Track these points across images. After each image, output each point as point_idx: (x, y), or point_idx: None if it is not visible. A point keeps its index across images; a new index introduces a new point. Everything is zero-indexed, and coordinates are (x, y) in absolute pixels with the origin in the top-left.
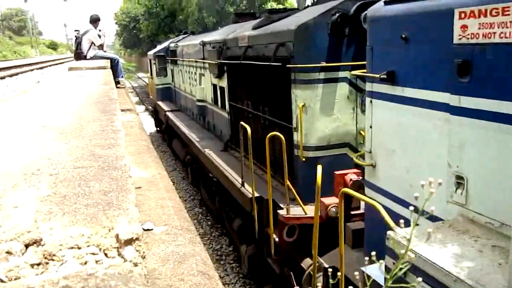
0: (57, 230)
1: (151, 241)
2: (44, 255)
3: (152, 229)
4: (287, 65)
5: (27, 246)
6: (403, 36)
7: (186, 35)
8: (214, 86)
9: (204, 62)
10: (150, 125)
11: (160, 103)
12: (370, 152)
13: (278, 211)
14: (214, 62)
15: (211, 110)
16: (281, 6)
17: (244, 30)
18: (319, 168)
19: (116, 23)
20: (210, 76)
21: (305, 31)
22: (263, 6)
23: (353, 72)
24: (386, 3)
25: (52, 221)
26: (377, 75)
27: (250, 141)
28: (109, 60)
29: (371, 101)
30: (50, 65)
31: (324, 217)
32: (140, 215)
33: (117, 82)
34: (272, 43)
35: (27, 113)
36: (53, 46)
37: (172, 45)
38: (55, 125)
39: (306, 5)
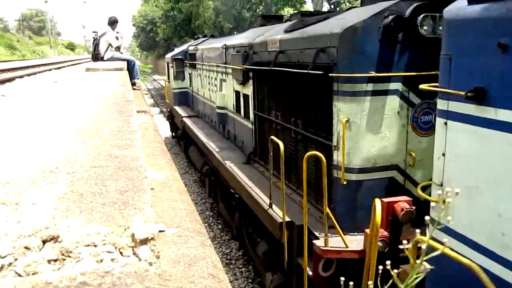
0: (74, 227)
1: (162, 242)
2: (61, 251)
3: (164, 231)
4: (329, 74)
5: (44, 242)
6: (502, 43)
7: (206, 38)
8: (237, 93)
9: (226, 67)
10: (164, 128)
11: (176, 108)
12: (441, 185)
13: (313, 241)
14: (238, 68)
15: (233, 118)
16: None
17: (274, 33)
18: (378, 203)
19: (134, 25)
20: (233, 82)
21: (352, 35)
22: (279, 11)
23: (423, 86)
24: (470, 2)
25: (69, 218)
26: (461, 92)
27: (282, 159)
28: (125, 62)
29: (445, 123)
30: (67, 66)
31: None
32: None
33: (132, 84)
34: (310, 48)
35: (45, 112)
36: (71, 46)
37: (191, 48)
38: (72, 124)
39: (322, 10)
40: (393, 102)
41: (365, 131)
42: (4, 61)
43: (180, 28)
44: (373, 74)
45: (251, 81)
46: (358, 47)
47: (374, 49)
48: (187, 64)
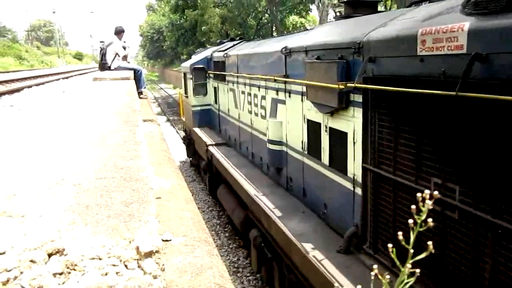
0: (79, 240)
1: (169, 251)
2: (66, 265)
3: (170, 240)
4: None
5: (50, 255)
6: None
7: (238, 42)
8: (314, 125)
9: (287, 82)
10: (171, 135)
11: (197, 130)
12: None
13: None
14: (324, 85)
15: (300, 163)
16: (303, 20)
17: (415, 24)
18: None
19: (141, 35)
20: (304, 107)
21: None
22: (284, 20)
23: None
24: None
25: (75, 231)
26: None
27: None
28: (132, 71)
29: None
30: (75, 75)
31: None
32: (159, 225)
33: (139, 93)
34: None
35: (52, 122)
36: (79, 56)
37: (217, 55)
38: (79, 135)
39: (328, 19)
40: None
41: None
42: (13, 71)
43: (185, 37)
44: None
45: (357, 110)
46: None
47: None
48: (210, 75)
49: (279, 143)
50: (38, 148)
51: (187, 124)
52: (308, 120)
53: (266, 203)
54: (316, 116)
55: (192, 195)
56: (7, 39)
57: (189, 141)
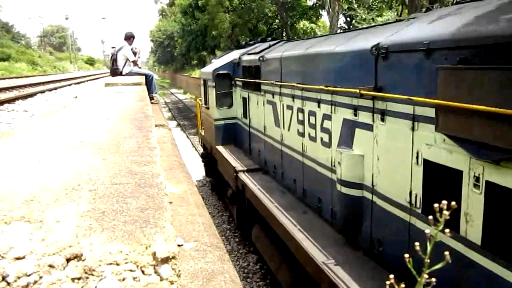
0: (96, 245)
1: (180, 257)
2: (84, 269)
3: (182, 245)
4: None
5: (68, 260)
6: None
7: (277, 41)
8: (449, 173)
9: (377, 98)
10: (182, 140)
11: (221, 149)
12: None
13: None
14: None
15: (407, 227)
16: (313, 26)
17: None
18: None
19: (151, 40)
20: (426, 141)
21: None
22: (295, 25)
23: None
24: None
25: (92, 236)
26: None
27: None
28: (144, 77)
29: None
30: (87, 80)
31: None
32: None
33: (151, 98)
34: None
35: (66, 128)
36: (91, 61)
37: (248, 58)
38: (93, 140)
39: (338, 24)
40: None
41: None
42: (26, 76)
43: (196, 42)
44: None
45: None
46: None
47: None
48: (237, 83)
49: (358, 186)
50: (54, 153)
51: (206, 139)
52: (429, 162)
53: (345, 280)
54: (452, 159)
55: (203, 199)
56: (21, 45)
57: (209, 159)
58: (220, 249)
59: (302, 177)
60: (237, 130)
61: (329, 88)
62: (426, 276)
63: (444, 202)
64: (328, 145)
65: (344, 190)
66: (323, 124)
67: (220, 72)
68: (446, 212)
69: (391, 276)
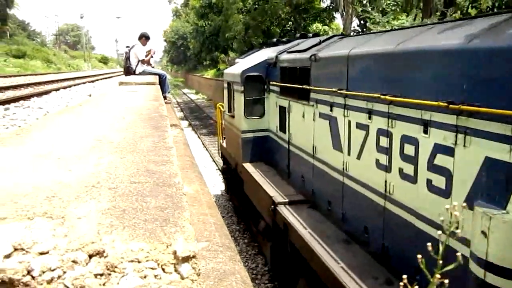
0: (118, 243)
1: None
2: (106, 266)
3: None
4: None
5: (90, 256)
6: None
7: (329, 37)
8: None
9: None
10: (193, 140)
11: (250, 168)
12: None
13: None
14: None
15: None
16: (326, 28)
17: None
18: None
19: (165, 40)
20: None
21: None
22: (308, 27)
23: None
24: None
25: (114, 234)
26: None
27: None
28: (157, 76)
29: None
30: (101, 79)
31: None
32: None
33: (164, 97)
34: None
35: (83, 126)
36: (104, 60)
37: (290, 57)
38: (110, 139)
39: (352, 27)
40: None
41: None
42: (41, 74)
43: (209, 42)
44: None
45: None
46: None
47: None
48: (270, 88)
49: None
50: (72, 151)
51: (229, 153)
52: None
53: None
54: None
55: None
56: (37, 43)
57: (233, 176)
58: (231, 250)
59: (381, 227)
60: (270, 145)
61: (459, 107)
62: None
63: None
64: (444, 193)
65: (493, 280)
66: (434, 160)
67: (251, 74)
68: None
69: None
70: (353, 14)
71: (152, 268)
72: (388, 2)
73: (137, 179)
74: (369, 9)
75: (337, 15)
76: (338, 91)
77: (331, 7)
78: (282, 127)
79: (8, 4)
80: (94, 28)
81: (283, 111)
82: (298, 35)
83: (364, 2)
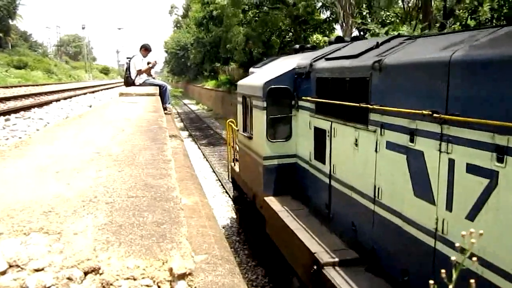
0: (114, 260)
1: None
2: (102, 283)
3: (192, 257)
4: None
5: (86, 273)
6: None
7: (385, 40)
8: None
9: None
10: (193, 151)
11: (275, 204)
12: None
13: None
14: None
15: None
16: (326, 39)
17: None
18: None
19: (166, 51)
20: None
21: None
22: (308, 38)
23: None
24: None
25: (110, 250)
26: None
27: None
28: (157, 87)
29: None
30: (101, 89)
31: None
32: None
33: (164, 108)
34: None
35: (82, 138)
36: (105, 71)
37: (334, 65)
38: (109, 152)
39: (352, 37)
40: None
41: None
42: (42, 84)
43: (210, 54)
44: None
45: None
46: None
47: None
48: (298, 104)
49: None
50: (70, 164)
51: (245, 181)
52: None
53: None
54: None
55: (213, 210)
56: (38, 53)
57: (247, 208)
58: (230, 263)
59: None
60: (299, 175)
61: None
62: None
63: None
64: None
65: None
66: None
67: (276, 86)
68: None
69: None
70: (353, 25)
71: (147, 286)
72: (388, 13)
73: (135, 193)
74: (369, 20)
75: (337, 26)
76: (431, 115)
77: (331, 18)
78: (319, 155)
79: (11, 15)
80: (95, 39)
81: (321, 135)
82: (331, 39)
83: (364, 13)
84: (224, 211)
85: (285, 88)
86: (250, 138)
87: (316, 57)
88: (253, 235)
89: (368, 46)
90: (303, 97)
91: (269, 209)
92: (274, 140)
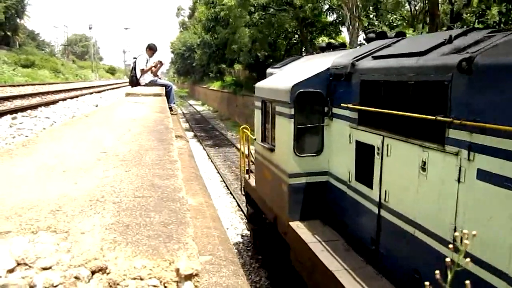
0: (121, 259)
1: None
2: (109, 283)
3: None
4: None
5: (93, 272)
6: None
7: (470, 29)
8: None
9: None
10: (198, 152)
11: (303, 231)
12: None
13: None
14: None
15: None
16: (333, 41)
17: None
18: None
19: (172, 52)
20: None
21: None
22: (314, 41)
23: None
24: None
25: (117, 250)
26: None
27: None
28: (163, 87)
29: None
30: (108, 89)
31: None
32: None
33: (170, 108)
34: None
35: (89, 137)
36: (112, 71)
37: (391, 64)
38: (115, 151)
39: (358, 41)
40: None
41: None
42: (49, 83)
43: (216, 55)
44: None
45: None
46: None
47: None
48: (332, 112)
49: None
50: (77, 163)
51: (261, 197)
52: None
53: None
54: None
55: (218, 211)
56: (45, 53)
57: (266, 230)
58: (234, 264)
59: None
60: (332, 196)
61: None
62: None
63: None
64: None
65: None
66: None
67: (306, 90)
68: None
69: None
70: (359, 28)
71: (154, 286)
72: (395, 16)
73: (142, 193)
74: (376, 23)
75: (343, 29)
76: None
77: (337, 21)
78: (364, 176)
79: (19, 14)
80: (102, 39)
81: (366, 152)
82: (371, 35)
83: (371, 16)
84: (228, 212)
85: (317, 93)
86: (271, 150)
87: (359, 56)
88: (271, 259)
89: (437, 41)
90: (340, 104)
91: (297, 239)
92: (303, 155)
